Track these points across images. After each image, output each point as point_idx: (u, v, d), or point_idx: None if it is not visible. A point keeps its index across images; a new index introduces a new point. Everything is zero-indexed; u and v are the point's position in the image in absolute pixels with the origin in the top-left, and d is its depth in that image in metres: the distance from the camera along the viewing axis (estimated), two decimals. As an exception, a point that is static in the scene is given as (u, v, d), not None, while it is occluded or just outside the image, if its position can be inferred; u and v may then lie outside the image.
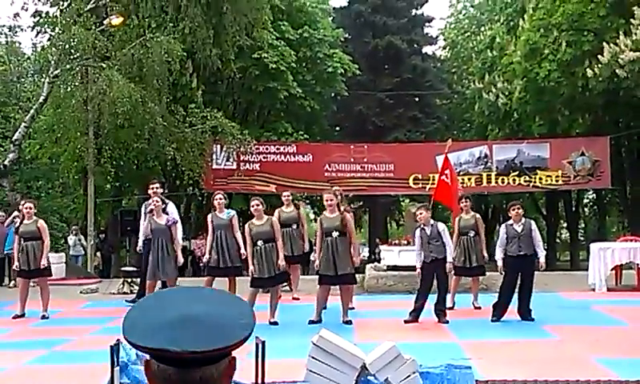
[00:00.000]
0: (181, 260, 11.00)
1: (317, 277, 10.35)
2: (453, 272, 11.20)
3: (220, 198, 11.60)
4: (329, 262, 9.92)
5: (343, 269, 9.95)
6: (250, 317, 1.64)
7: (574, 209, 35.40)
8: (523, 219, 10.25)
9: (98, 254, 22.60)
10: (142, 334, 1.54)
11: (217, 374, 1.58)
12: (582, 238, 38.37)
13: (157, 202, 10.86)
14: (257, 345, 5.73)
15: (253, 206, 10.31)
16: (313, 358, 5.77)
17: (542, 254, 10.27)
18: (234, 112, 27.93)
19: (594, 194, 35.33)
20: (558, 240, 40.33)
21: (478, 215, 12.04)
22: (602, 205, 35.17)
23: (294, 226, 12.31)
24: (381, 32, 33.83)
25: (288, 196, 12.84)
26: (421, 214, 10.29)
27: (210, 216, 11.63)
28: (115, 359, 5.72)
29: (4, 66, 30.44)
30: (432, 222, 10.24)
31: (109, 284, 15.83)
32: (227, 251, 11.18)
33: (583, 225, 44.64)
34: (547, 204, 36.11)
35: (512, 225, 10.20)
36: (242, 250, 10.86)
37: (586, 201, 40.50)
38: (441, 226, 10.29)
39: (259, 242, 9.96)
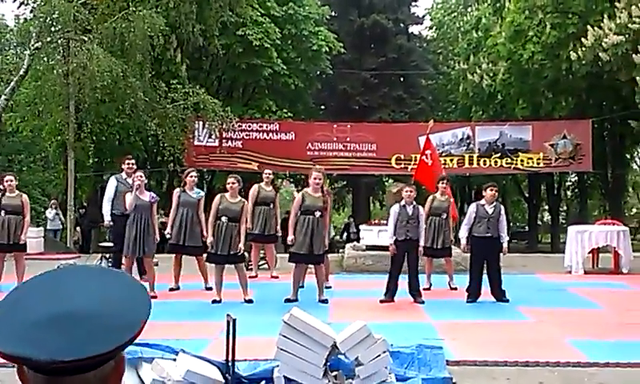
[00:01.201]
0: (157, 237, 10.92)
1: None
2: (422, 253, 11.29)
3: (193, 175, 11.53)
4: (305, 239, 9.89)
5: (318, 249, 9.94)
6: (141, 312, 1.38)
7: (555, 192, 35.55)
8: (495, 202, 10.27)
9: (78, 228, 22.47)
10: (3, 335, 1.25)
11: (95, 381, 1.29)
12: (563, 221, 38.61)
13: (141, 177, 10.76)
14: (227, 322, 5.72)
15: (229, 183, 10.23)
16: (283, 336, 5.75)
17: (505, 239, 10.26)
18: (219, 88, 27.79)
19: (576, 177, 35.46)
20: (539, 222, 40.57)
21: (452, 199, 12.07)
22: (583, 188, 35.34)
23: (271, 206, 12.27)
24: (367, 10, 33.67)
25: (269, 175, 12.76)
26: (409, 192, 10.27)
27: (177, 191, 11.54)
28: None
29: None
30: (414, 203, 10.23)
31: (87, 259, 15.76)
32: (189, 229, 11.11)
33: (565, 208, 44.92)
34: (529, 186, 36.24)
35: (484, 205, 10.22)
36: (204, 232, 10.78)
37: (568, 184, 40.68)
38: (421, 209, 10.34)
39: (223, 218, 9.88)
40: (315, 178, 10.14)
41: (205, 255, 10.67)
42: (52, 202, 23.62)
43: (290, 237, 10.09)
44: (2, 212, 11.20)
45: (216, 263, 10.12)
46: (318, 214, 9.92)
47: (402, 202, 10.21)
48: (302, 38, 26.98)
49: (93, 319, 1.28)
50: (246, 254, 12.05)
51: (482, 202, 10.33)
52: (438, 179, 12.15)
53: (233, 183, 10.14)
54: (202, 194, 11.74)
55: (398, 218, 10.12)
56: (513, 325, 8.67)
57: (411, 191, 10.30)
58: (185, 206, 11.19)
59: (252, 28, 24.21)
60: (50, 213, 22.40)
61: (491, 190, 10.35)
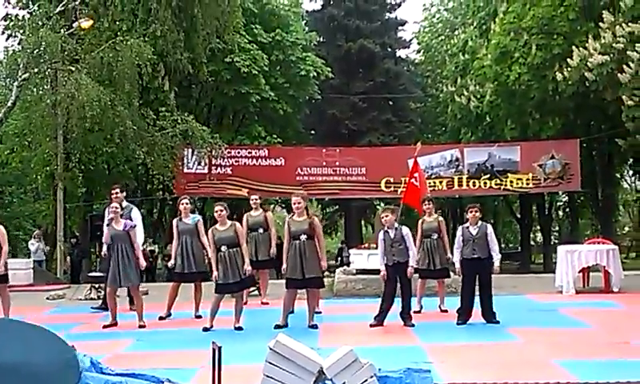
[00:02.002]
0: (143, 264, 10.81)
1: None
2: (418, 276, 11.25)
3: (186, 203, 11.47)
4: (296, 265, 9.87)
5: (310, 272, 9.90)
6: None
7: (546, 212, 35.64)
8: (479, 222, 10.26)
9: (68, 258, 22.36)
10: None
11: None
12: (556, 241, 38.64)
13: (115, 208, 10.71)
14: (213, 351, 5.68)
15: (216, 212, 10.21)
16: (269, 362, 5.71)
17: (496, 258, 10.18)
18: (208, 116, 27.90)
19: (567, 197, 35.58)
20: (532, 243, 40.61)
21: (440, 218, 12.05)
22: (574, 207, 35.44)
23: (260, 230, 12.12)
24: (354, 35, 33.92)
25: (256, 200, 12.66)
26: (386, 216, 10.27)
27: (174, 221, 11.52)
28: (69, 366, 5.64)
29: (-26, 69, 30.13)
30: (396, 225, 10.21)
31: (76, 290, 15.69)
32: (192, 256, 11.08)
33: (557, 228, 45.00)
34: (521, 207, 36.34)
35: (468, 227, 10.23)
36: (210, 254, 10.77)
37: (559, 204, 40.80)
38: (405, 229, 10.25)
39: (222, 248, 9.88)
40: (294, 203, 10.14)
41: (206, 284, 10.64)
42: (35, 232, 23.46)
43: (284, 265, 10.09)
44: None
45: (229, 293, 10.11)
46: (303, 237, 9.89)
47: (385, 227, 10.21)
48: (290, 64, 27.14)
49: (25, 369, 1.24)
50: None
51: (467, 224, 10.34)
52: (422, 200, 12.16)
53: (220, 210, 10.13)
54: (198, 217, 11.68)
55: (384, 243, 10.12)
56: (503, 346, 8.63)
57: (387, 215, 10.28)
58: (184, 233, 11.18)
59: (240, 55, 24.34)
60: (32, 245, 22.18)
61: (471, 212, 10.35)
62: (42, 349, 1.25)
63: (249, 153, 23.59)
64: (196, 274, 11.14)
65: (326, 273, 11.09)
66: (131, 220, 11.15)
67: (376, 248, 13.47)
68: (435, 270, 11.33)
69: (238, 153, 23.53)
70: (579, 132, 25.69)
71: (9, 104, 19.91)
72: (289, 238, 10.05)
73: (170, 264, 11.46)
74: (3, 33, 21.69)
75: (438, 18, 38.49)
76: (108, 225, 10.72)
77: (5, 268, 11.11)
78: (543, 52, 22.34)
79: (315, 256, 10.01)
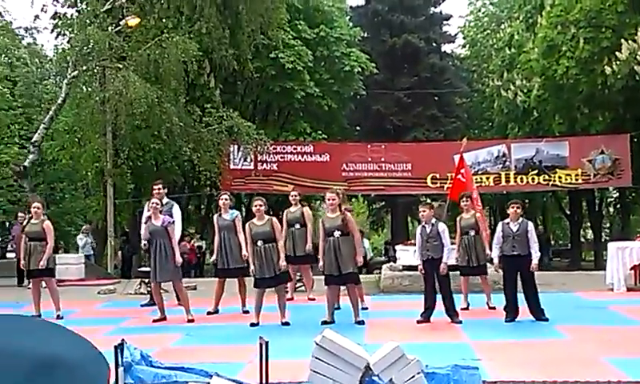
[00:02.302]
0: (179, 260, 10.88)
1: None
2: (459, 273, 11.18)
3: (225, 199, 11.50)
4: (332, 261, 9.87)
5: (346, 268, 9.90)
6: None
7: (597, 208, 35.05)
8: (520, 219, 10.15)
9: (119, 254, 22.71)
10: None
11: None
12: (607, 238, 37.97)
13: (155, 203, 10.82)
14: (260, 345, 5.72)
15: (255, 206, 10.26)
16: (316, 358, 5.73)
17: (535, 256, 10.02)
18: (254, 112, 28.04)
19: (618, 193, 34.94)
20: (582, 239, 39.98)
21: (478, 214, 11.95)
22: (625, 203, 34.78)
23: (297, 226, 12.08)
24: (398, 30, 33.72)
25: (295, 196, 12.61)
26: (423, 211, 10.23)
27: (215, 217, 11.60)
28: (120, 359, 5.73)
29: (26, 68, 30.77)
30: (433, 221, 10.14)
31: (126, 284, 15.91)
32: (230, 252, 11.15)
33: (608, 224, 44.20)
34: (570, 203, 35.80)
35: (508, 223, 10.13)
36: (244, 252, 10.82)
37: (609, 200, 40.08)
38: (441, 226, 10.16)
39: (259, 242, 9.92)
40: (329, 199, 10.13)
41: (249, 279, 10.69)
42: (84, 227, 23.81)
43: (320, 263, 10.11)
44: (26, 238, 11.37)
45: (264, 287, 10.15)
46: (337, 234, 9.87)
47: (423, 222, 10.17)
48: (335, 60, 27.12)
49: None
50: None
51: (508, 220, 10.24)
52: (460, 197, 12.05)
53: (259, 205, 10.16)
54: (236, 213, 11.73)
55: (421, 238, 10.09)
56: (551, 343, 8.51)
57: (424, 210, 10.23)
58: (222, 229, 11.25)
59: (284, 51, 24.42)
60: (80, 240, 22.54)
61: (512, 208, 10.24)
62: (71, 344, 1.31)
63: (294, 149, 23.67)
64: (234, 269, 11.16)
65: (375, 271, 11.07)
66: (171, 216, 11.26)
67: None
68: (473, 267, 11.25)
69: (284, 149, 23.63)
70: (629, 126, 25.22)
71: (59, 101, 20.29)
72: (323, 235, 10.05)
73: (212, 259, 11.56)
74: (52, 31, 22.13)
75: (483, 12, 38.06)
76: (146, 222, 10.83)
77: (53, 262, 11.37)
78: (591, 45, 21.97)
79: (350, 252, 9.98)
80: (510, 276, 10.06)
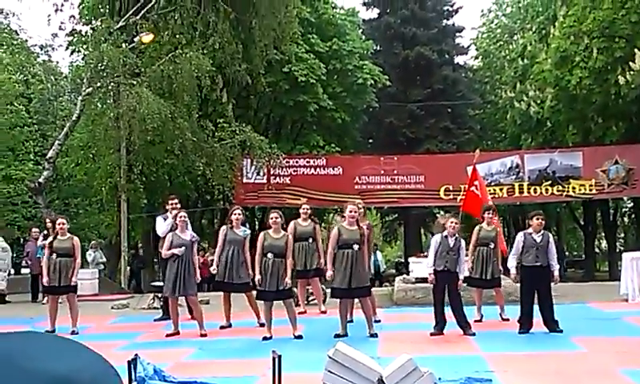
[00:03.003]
0: (198, 277, 10.99)
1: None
2: (470, 284, 11.19)
3: (238, 213, 11.48)
4: (345, 274, 9.83)
5: (359, 282, 9.87)
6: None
7: (611, 218, 34.87)
8: (542, 230, 10.14)
9: (128, 268, 22.79)
10: None
11: None
12: (621, 248, 37.74)
13: (183, 217, 10.86)
14: (273, 359, 5.74)
15: (272, 218, 10.27)
16: (329, 371, 5.75)
17: (555, 268, 10.05)
18: (267, 126, 28.12)
19: (632, 203, 34.72)
20: (597, 250, 39.76)
21: (499, 228, 11.94)
22: (639, 213, 34.56)
23: (310, 240, 12.07)
24: (411, 43, 33.78)
25: (307, 210, 12.55)
26: (453, 223, 10.20)
27: (223, 228, 11.53)
28: (133, 374, 5.77)
29: (41, 84, 31.05)
30: (456, 235, 10.16)
31: (140, 299, 15.96)
32: (237, 268, 11.09)
33: (622, 234, 43.95)
34: (584, 214, 35.61)
35: (531, 234, 10.09)
36: (250, 271, 10.80)
37: (624, 210, 39.85)
38: (463, 242, 10.23)
39: (269, 255, 9.91)
40: (351, 211, 10.08)
41: (254, 292, 10.68)
42: (92, 243, 23.84)
43: (329, 272, 10.04)
44: (54, 255, 11.39)
45: (265, 300, 10.14)
46: (356, 247, 9.85)
47: (445, 233, 10.14)
48: (347, 73, 27.17)
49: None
50: (294, 289, 12.08)
51: (530, 230, 10.20)
52: (484, 209, 12.02)
53: (276, 218, 10.18)
54: (248, 232, 11.73)
55: (439, 248, 10.05)
56: (565, 355, 8.47)
57: (456, 223, 10.24)
58: (232, 243, 11.18)
59: (297, 64, 24.51)
60: (89, 255, 22.56)
61: (537, 219, 10.21)
62: (85, 360, 1.32)
63: (307, 162, 23.72)
64: (236, 285, 11.12)
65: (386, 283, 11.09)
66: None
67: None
68: (487, 280, 11.23)
69: (297, 162, 23.67)
70: (643, 136, 25.11)
71: (74, 118, 20.44)
72: (335, 246, 9.98)
73: (212, 269, 11.52)
74: (67, 48, 22.32)
75: (496, 24, 38.07)
76: (174, 230, 10.82)
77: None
78: (605, 55, 21.92)
79: (364, 266, 10.03)
80: (529, 287, 10.01)
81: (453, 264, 9.99)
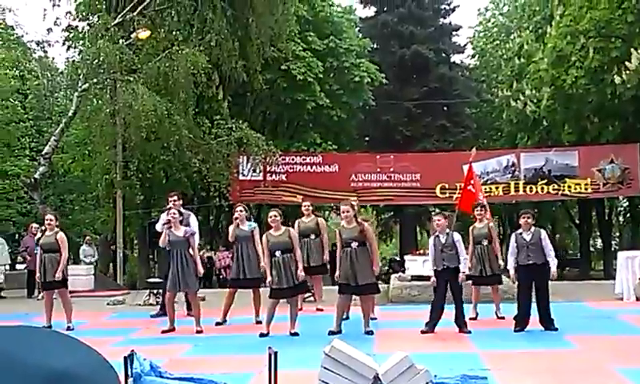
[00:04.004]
0: (200, 271, 11.01)
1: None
2: (471, 282, 11.17)
3: (241, 210, 11.56)
4: (348, 271, 9.89)
5: (364, 279, 9.90)
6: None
7: (606, 217, 34.95)
8: (532, 228, 10.16)
9: (111, 264, 22.73)
10: None
11: None
12: (616, 247, 37.83)
13: (174, 214, 10.88)
14: (269, 356, 5.74)
15: (270, 217, 10.31)
16: (325, 368, 5.75)
17: (553, 263, 10.05)
18: (263, 123, 28.09)
19: (627, 202, 34.82)
20: (592, 249, 39.83)
21: (491, 224, 11.97)
22: (635, 213, 34.65)
23: (313, 237, 12.17)
24: (407, 41, 33.76)
25: (308, 206, 12.69)
26: (439, 221, 10.25)
27: (231, 228, 11.64)
28: (129, 370, 5.77)
29: (37, 80, 30.99)
30: (447, 231, 10.18)
31: (135, 295, 15.95)
32: (248, 263, 11.20)
33: (618, 233, 44.02)
34: (580, 213, 35.70)
35: (521, 234, 10.13)
36: (262, 263, 10.86)
37: (619, 209, 39.95)
38: (456, 235, 10.24)
39: (277, 253, 9.96)
40: (343, 211, 10.17)
41: (263, 289, 10.72)
42: (86, 239, 23.74)
43: (337, 272, 10.13)
44: (41, 251, 11.45)
45: (283, 298, 10.18)
46: (354, 244, 9.88)
47: (436, 233, 10.17)
48: (344, 71, 27.17)
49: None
50: (308, 283, 12.12)
51: (520, 230, 10.24)
52: (474, 207, 12.06)
53: (275, 216, 10.21)
54: (254, 225, 11.78)
55: (435, 249, 10.08)
56: (561, 353, 8.49)
57: (440, 220, 10.26)
58: (240, 240, 11.29)
59: (295, 62, 24.50)
60: (83, 251, 22.45)
61: (523, 218, 10.25)
62: (81, 356, 1.33)
63: (303, 160, 23.72)
64: (251, 280, 11.22)
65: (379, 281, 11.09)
66: (189, 226, 11.33)
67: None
68: (487, 277, 11.26)
69: (293, 160, 23.67)
70: (639, 136, 25.15)
71: (70, 114, 20.42)
72: (341, 245, 10.08)
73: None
74: (64, 44, 22.27)
75: (492, 23, 38.11)
76: (168, 227, 10.83)
77: (65, 273, 11.45)
78: (601, 55, 21.95)
79: (367, 262, 10.00)
80: (525, 285, 10.04)
81: (451, 259, 10.01)
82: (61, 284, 11.52)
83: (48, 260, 11.37)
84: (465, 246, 10.64)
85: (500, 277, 11.49)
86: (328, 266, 12.92)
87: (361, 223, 10.16)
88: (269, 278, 10.10)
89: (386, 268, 31.37)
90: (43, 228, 11.96)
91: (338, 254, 10.20)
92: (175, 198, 11.87)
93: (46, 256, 11.40)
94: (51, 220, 11.62)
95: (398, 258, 30.75)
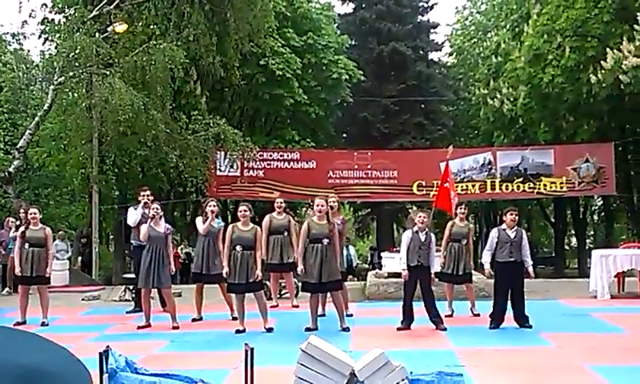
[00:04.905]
0: (173, 269, 10.98)
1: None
2: (440, 279, 11.27)
3: (214, 205, 11.50)
4: (314, 268, 9.84)
5: (330, 276, 9.89)
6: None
7: (581, 216, 35.27)
8: (516, 226, 10.24)
9: (79, 258, 22.53)
10: None
11: None
12: (591, 245, 38.20)
13: (157, 209, 10.82)
14: (246, 352, 5.73)
15: (240, 212, 10.26)
16: (301, 364, 5.75)
17: (529, 263, 10.19)
18: (241, 119, 28.01)
19: (602, 201, 35.17)
20: (567, 247, 40.19)
21: (471, 225, 12.04)
22: (609, 211, 35.04)
23: (285, 234, 12.10)
24: (386, 38, 33.76)
25: (280, 203, 12.58)
26: (424, 218, 10.24)
27: (199, 220, 11.54)
28: (105, 366, 5.72)
29: (12, 73, 30.65)
30: (427, 229, 10.21)
31: (111, 291, 15.85)
32: (212, 259, 11.17)
33: (592, 232, 44.45)
34: (555, 211, 35.99)
35: (505, 230, 10.19)
36: (223, 261, 10.77)
37: (594, 208, 40.34)
38: (433, 237, 10.30)
39: (237, 247, 9.88)
40: (317, 205, 10.11)
41: (226, 285, 10.68)
42: (59, 233, 23.49)
43: (300, 267, 10.07)
44: (26, 245, 11.29)
45: (235, 293, 10.14)
46: (325, 241, 9.88)
47: (415, 228, 10.18)
48: (322, 67, 27.13)
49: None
50: (267, 283, 12.09)
51: (504, 226, 10.29)
52: (456, 205, 12.10)
53: (245, 211, 10.17)
54: (222, 224, 11.74)
55: (410, 243, 10.09)
56: (535, 351, 8.57)
57: (425, 217, 10.28)
58: (207, 235, 11.25)
59: (273, 58, 24.44)
60: (56, 246, 22.16)
61: (511, 215, 10.30)
62: (50, 353, 1.31)
63: (280, 156, 23.68)
64: (213, 275, 11.18)
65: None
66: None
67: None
68: (458, 276, 11.31)
69: (270, 156, 23.62)
70: (614, 135, 25.42)
71: (45, 107, 20.22)
72: (306, 240, 10.00)
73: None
74: (40, 37, 22.03)
75: (470, 21, 38.29)
76: (137, 226, 10.76)
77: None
78: (577, 54, 22.14)
79: (335, 260, 10.03)
80: (503, 283, 10.08)
81: (425, 258, 10.04)
82: (45, 280, 11.47)
83: (36, 255, 11.21)
84: (437, 242, 10.73)
85: (470, 276, 11.57)
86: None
87: (331, 221, 10.12)
88: (225, 269, 10.03)
89: (365, 265, 31.47)
90: (18, 223, 11.82)
91: (300, 248, 10.10)
92: (148, 192, 11.81)
93: (34, 251, 11.22)
94: (35, 213, 11.46)
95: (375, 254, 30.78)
